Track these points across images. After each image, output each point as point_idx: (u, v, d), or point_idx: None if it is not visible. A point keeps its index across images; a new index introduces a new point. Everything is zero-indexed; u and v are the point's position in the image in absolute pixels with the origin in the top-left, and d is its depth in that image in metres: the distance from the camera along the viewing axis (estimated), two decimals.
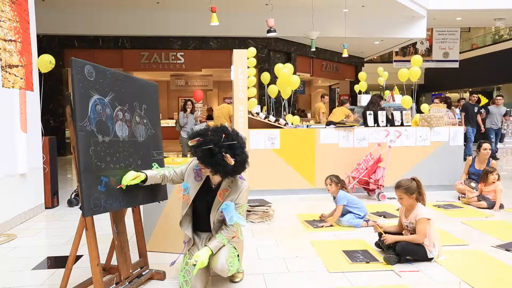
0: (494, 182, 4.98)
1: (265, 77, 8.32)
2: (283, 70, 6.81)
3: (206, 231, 2.81)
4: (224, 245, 2.68)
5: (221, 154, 2.49)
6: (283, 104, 7.86)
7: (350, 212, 4.24)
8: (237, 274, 2.92)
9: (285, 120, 6.40)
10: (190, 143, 2.59)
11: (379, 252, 3.39)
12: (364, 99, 9.94)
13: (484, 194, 5.05)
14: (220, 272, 2.64)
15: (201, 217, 2.78)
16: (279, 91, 7.40)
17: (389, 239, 3.20)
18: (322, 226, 4.18)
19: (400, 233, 3.38)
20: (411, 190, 3.21)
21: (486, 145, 5.53)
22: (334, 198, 4.35)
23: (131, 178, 2.56)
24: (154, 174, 2.74)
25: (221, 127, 2.62)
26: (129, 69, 11.45)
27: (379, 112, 6.16)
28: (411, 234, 3.27)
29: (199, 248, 2.76)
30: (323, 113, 9.54)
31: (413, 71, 7.30)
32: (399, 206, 3.49)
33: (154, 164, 2.85)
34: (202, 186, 2.75)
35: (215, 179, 2.73)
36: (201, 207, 2.77)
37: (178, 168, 2.84)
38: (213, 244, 2.64)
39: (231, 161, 2.50)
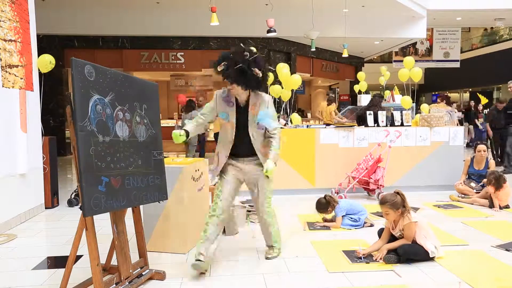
0: (502, 187, 4.85)
1: (270, 77, 8.26)
2: (283, 70, 6.79)
3: (243, 156, 3.08)
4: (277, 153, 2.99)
5: (250, 70, 2.82)
6: (283, 106, 7.84)
7: (348, 214, 4.23)
8: (272, 250, 3.29)
9: (285, 120, 6.39)
10: (219, 68, 2.85)
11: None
12: (364, 99, 9.95)
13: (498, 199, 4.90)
14: (260, 206, 3.14)
15: (239, 141, 3.03)
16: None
17: (382, 250, 3.18)
18: (320, 228, 4.17)
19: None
20: (397, 205, 3.15)
21: (480, 147, 5.56)
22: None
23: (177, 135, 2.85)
24: (192, 127, 3.02)
25: (239, 47, 2.91)
26: (129, 69, 11.44)
27: (379, 112, 6.16)
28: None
29: (239, 166, 3.08)
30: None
31: (414, 71, 7.27)
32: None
33: (188, 121, 3.06)
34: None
35: (243, 97, 2.98)
36: (239, 126, 3.02)
37: (205, 109, 3.09)
38: (272, 155, 2.97)
39: (259, 73, 2.86)
